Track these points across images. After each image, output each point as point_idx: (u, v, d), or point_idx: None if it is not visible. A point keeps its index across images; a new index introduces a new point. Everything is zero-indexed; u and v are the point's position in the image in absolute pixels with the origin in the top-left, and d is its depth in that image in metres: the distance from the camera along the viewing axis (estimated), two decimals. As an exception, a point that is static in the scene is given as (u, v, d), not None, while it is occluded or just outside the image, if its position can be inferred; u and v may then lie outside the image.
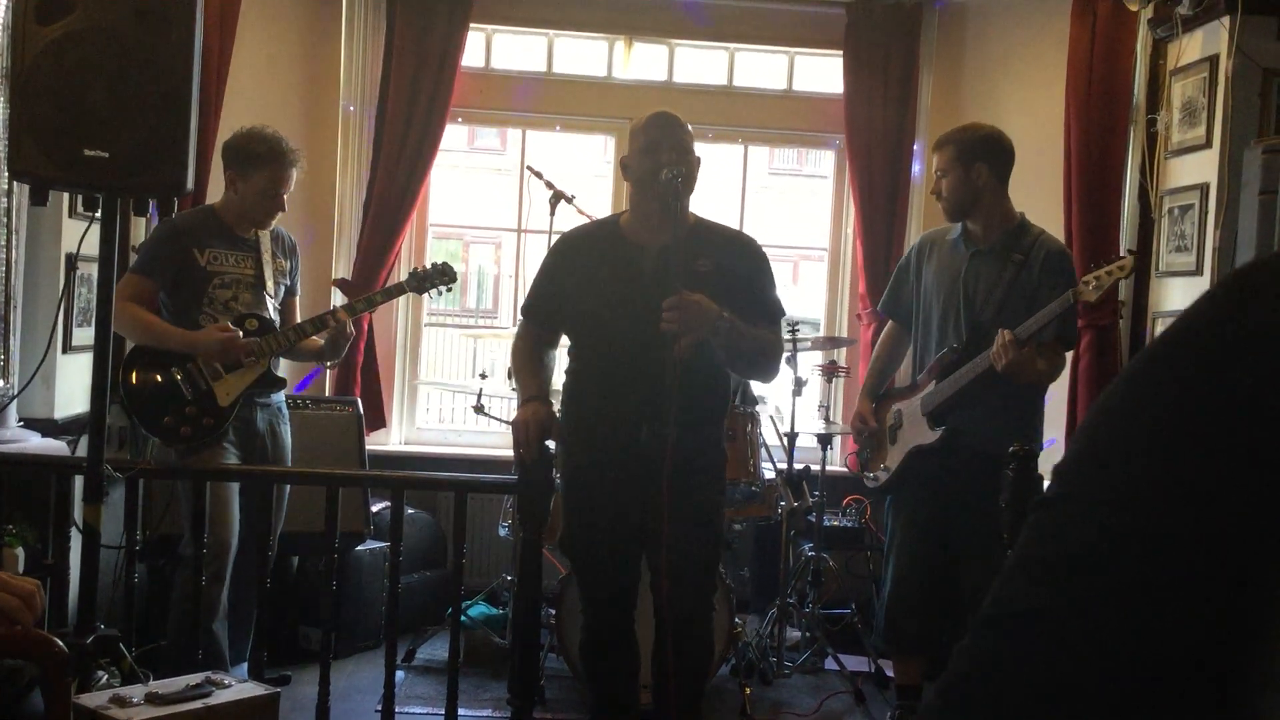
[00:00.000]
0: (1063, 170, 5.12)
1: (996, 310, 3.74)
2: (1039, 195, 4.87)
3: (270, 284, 4.10)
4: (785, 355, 3.59)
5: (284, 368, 4.45)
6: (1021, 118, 5.17)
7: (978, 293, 3.81)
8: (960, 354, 3.78)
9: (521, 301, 3.67)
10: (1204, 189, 4.53)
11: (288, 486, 4.18)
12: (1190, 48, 4.72)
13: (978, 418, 3.76)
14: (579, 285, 3.40)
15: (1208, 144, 4.55)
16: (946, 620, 4.07)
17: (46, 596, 3.62)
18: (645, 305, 3.16)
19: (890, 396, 4.14)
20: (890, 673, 4.45)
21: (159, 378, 3.89)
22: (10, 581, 1.74)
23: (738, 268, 3.37)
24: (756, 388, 4.94)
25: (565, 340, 3.62)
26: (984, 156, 3.79)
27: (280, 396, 4.20)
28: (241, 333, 3.92)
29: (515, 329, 3.78)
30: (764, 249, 3.48)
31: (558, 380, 3.63)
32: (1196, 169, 4.63)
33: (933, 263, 3.98)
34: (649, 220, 3.31)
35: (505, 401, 5.03)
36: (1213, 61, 4.54)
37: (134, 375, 3.89)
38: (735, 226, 3.68)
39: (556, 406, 3.43)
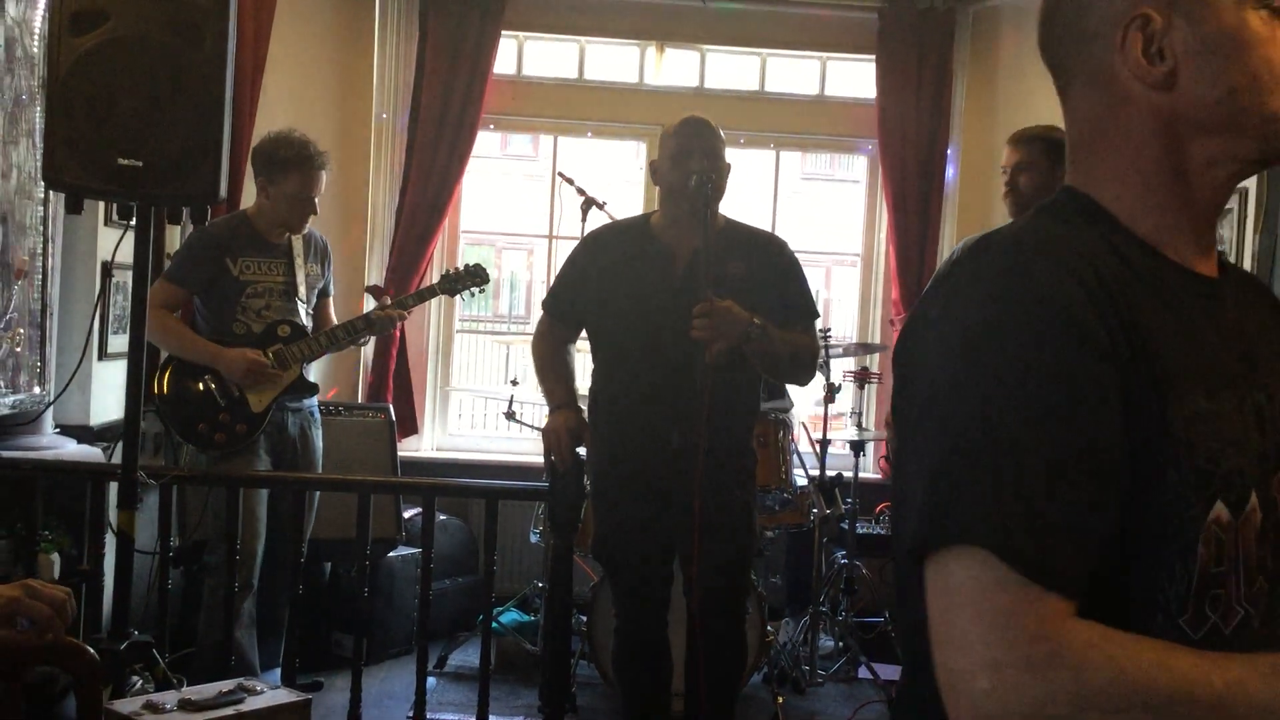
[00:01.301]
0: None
1: None
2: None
3: (302, 289, 4.11)
4: (817, 371, 3.54)
5: (316, 372, 4.46)
6: (1056, 122, 5.11)
7: None
8: None
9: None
10: (1243, 194, 4.47)
11: (317, 494, 4.20)
12: (1228, 50, 4.65)
13: None
14: (607, 283, 3.37)
15: (1247, 148, 4.48)
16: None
17: (80, 603, 3.65)
18: (676, 308, 3.13)
19: None
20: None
21: (192, 385, 3.91)
22: (42, 590, 1.74)
23: (769, 270, 3.34)
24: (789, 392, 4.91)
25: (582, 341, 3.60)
26: (1062, 162, 3.74)
27: (313, 401, 4.21)
28: (274, 348, 3.94)
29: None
30: (794, 251, 3.46)
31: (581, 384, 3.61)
32: (1235, 173, 4.56)
33: None
34: (680, 224, 3.29)
35: (536, 408, 5.03)
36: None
37: (167, 382, 3.92)
38: (764, 228, 3.63)
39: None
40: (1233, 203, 4.53)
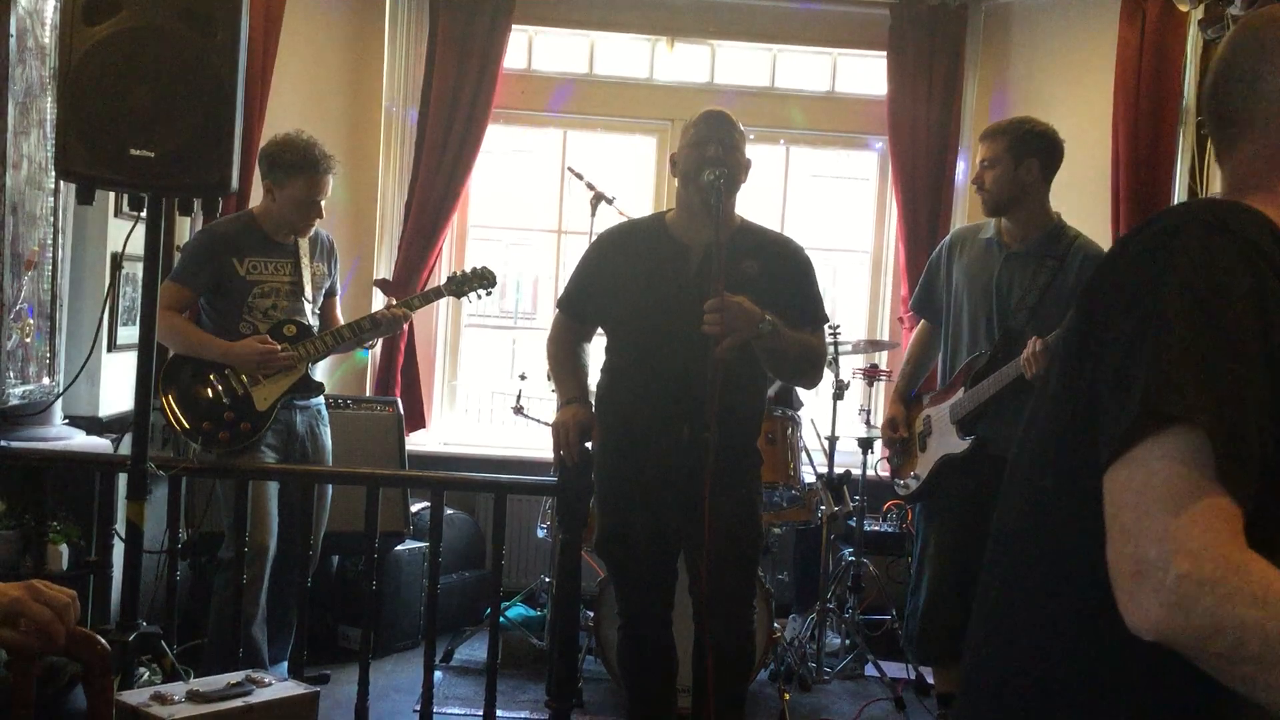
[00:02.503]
0: (1110, 173, 5.04)
1: (1029, 316, 3.65)
2: (1086, 198, 4.81)
3: (309, 289, 4.11)
4: (824, 375, 3.53)
5: (322, 370, 4.46)
6: (1069, 120, 5.08)
7: (1011, 296, 3.72)
8: (990, 359, 3.70)
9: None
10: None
11: (329, 490, 4.20)
12: (1242, 49, 4.63)
13: (1007, 426, 3.65)
14: (621, 280, 3.37)
15: (1260, 146, 4.46)
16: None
17: (88, 594, 3.65)
18: (688, 304, 3.12)
19: (921, 402, 4.08)
20: (931, 680, 4.40)
21: (197, 383, 3.91)
22: (45, 591, 1.72)
23: (783, 271, 3.33)
24: (797, 392, 4.91)
25: (597, 339, 3.59)
26: (1037, 152, 3.70)
27: (320, 400, 4.21)
28: (281, 345, 3.94)
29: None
30: (809, 257, 3.45)
31: (593, 380, 3.60)
32: (1248, 172, 4.54)
33: (963, 261, 3.89)
34: (694, 218, 3.28)
35: (544, 403, 5.03)
36: (1265, 63, 4.45)
37: (172, 381, 3.92)
38: (779, 229, 3.63)
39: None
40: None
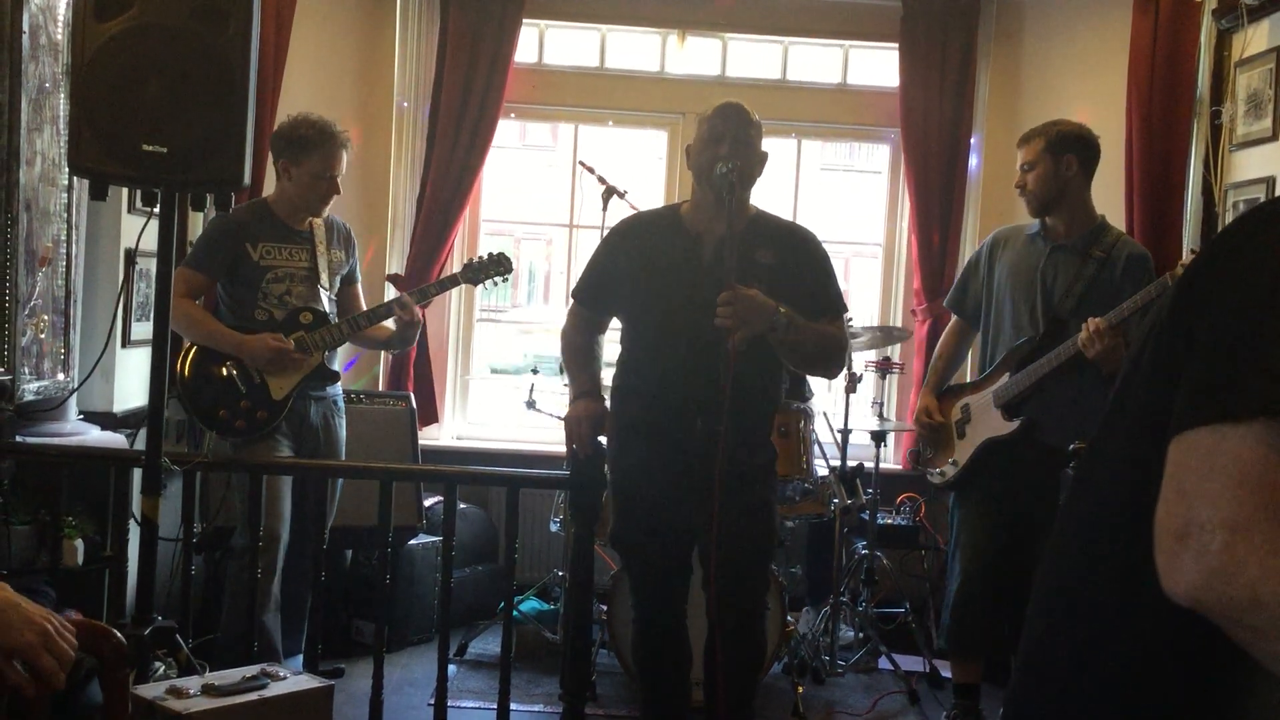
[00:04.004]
0: (1124, 163, 5.02)
1: (1076, 304, 3.70)
2: (1100, 188, 4.76)
3: (325, 276, 4.10)
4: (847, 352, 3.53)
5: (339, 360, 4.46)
6: (1082, 111, 5.07)
7: (1057, 286, 3.78)
8: (1037, 346, 3.74)
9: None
10: (1270, 182, 4.43)
11: (340, 481, 4.21)
12: (1256, 39, 4.62)
13: (1051, 411, 3.72)
14: (635, 271, 3.36)
15: (1273, 136, 4.45)
16: (1013, 620, 4.00)
17: (104, 589, 3.67)
18: (702, 296, 3.12)
19: (954, 393, 4.08)
20: (946, 673, 4.40)
21: (214, 371, 3.92)
22: (58, 642, 1.68)
23: (799, 261, 3.32)
24: (807, 381, 4.90)
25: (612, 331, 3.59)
26: (1075, 149, 3.79)
27: (336, 389, 4.21)
28: (297, 334, 3.94)
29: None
30: (823, 246, 3.44)
31: (606, 374, 3.60)
32: (1262, 162, 4.53)
33: (1005, 258, 3.93)
34: (708, 210, 3.28)
35: (557, 397, 5.03)
36: (1279, 52, 4.43)
37: (189, 368, 3.93)
38: (792, 219, 3.62)
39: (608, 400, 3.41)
40: (1259, 192, 4.49)
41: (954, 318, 4.23)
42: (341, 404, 4.26)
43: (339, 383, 4.21)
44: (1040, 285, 3.80)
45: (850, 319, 4.75)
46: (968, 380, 4.21)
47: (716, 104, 3.32)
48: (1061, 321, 3.72)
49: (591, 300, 3.49)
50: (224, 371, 3.92)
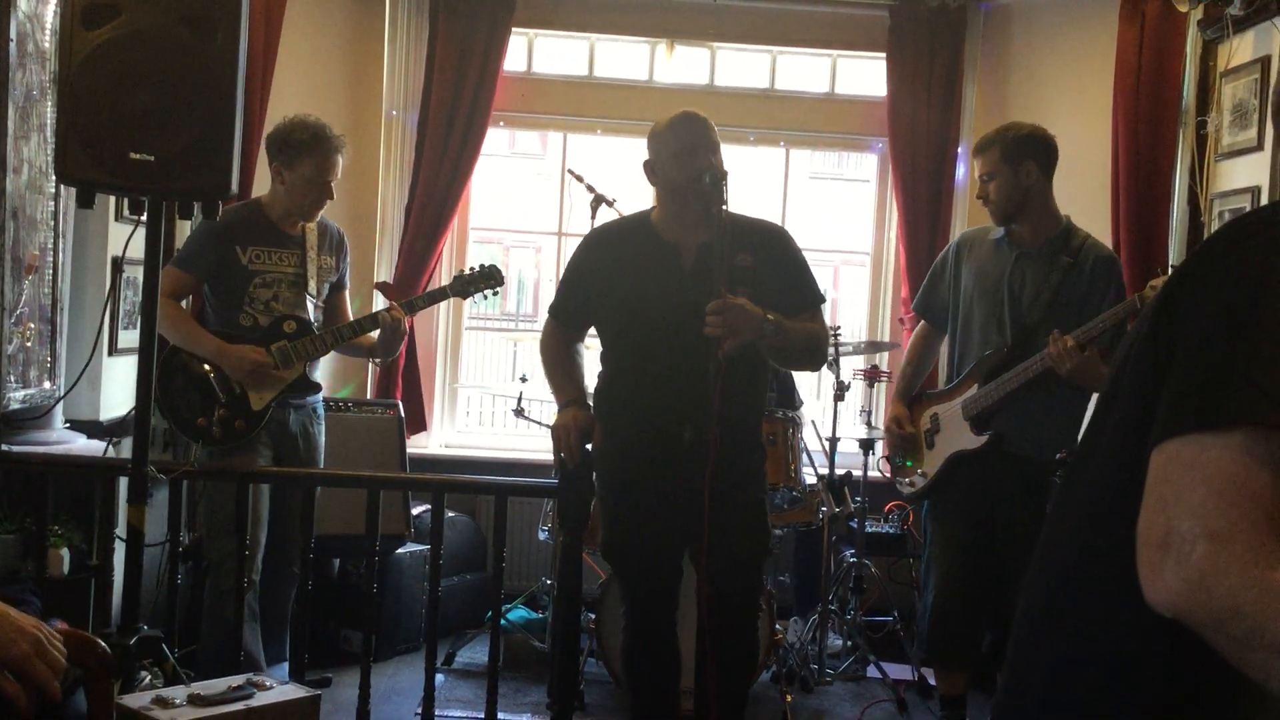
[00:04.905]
0: (1110, 173, 5.05)
1: (1044, 312, 3.66)
2: (1086, 199, 4.81)
3: (313, 283, 4.06)
4: (829, 358, 3.55)
5: (322, 371, 4.44)
6: (1068, 121, 5.10)
7: (1024, 294, 3.73)
8: (1007, 356, 3.71)
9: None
10: (1255, 192, 4.45)
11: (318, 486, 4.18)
12: (1241, 49, 4.65)
13: (1022, 422, 3.69)
14: (611, 281, 3.36)
15: (1259, 146, 4.47)
16: (990, 631, 4.00)
17: (90, 598, 3.66)
18: (685, 303, 3.13)
19: (924, 400, 4.07)
20: (933, 681, 4.40)
21: (194, 379, 3.88)
22: (49, 650, 1.67)
23: (776, 259, 3.34)
24: (798, 391, 4.91)
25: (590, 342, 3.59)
26: (1031, 154, 3.71)
27: (316, 398, 4.17)
28: (279, 343, 3.90)
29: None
30: (798, 241, 3.45)
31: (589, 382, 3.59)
32: (1247, 172, 4.55)
33: (972, 263, 3.89)
34: (684, 219, 3.29)
35: (545, 405, 5.02)
36: (1264, 63, 4.46)
37: (169, 375, 3.89)
38: (766, 219, 3.61)
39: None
40: (1244, 201, 4.51)
41: (921, 322, 4.20)
42: (321, 411, 4.21)
43: (319, 393, 4.18)
44: (1008, 294, 3.75)
45: (838, 330, 4.76)
46: (940, 385, 4.18)
47: (671, 118, 3.32)
48: (1030, 329, 3.67)
49: (568, 316, 3.49)
50: (203, 379, 3.88)
